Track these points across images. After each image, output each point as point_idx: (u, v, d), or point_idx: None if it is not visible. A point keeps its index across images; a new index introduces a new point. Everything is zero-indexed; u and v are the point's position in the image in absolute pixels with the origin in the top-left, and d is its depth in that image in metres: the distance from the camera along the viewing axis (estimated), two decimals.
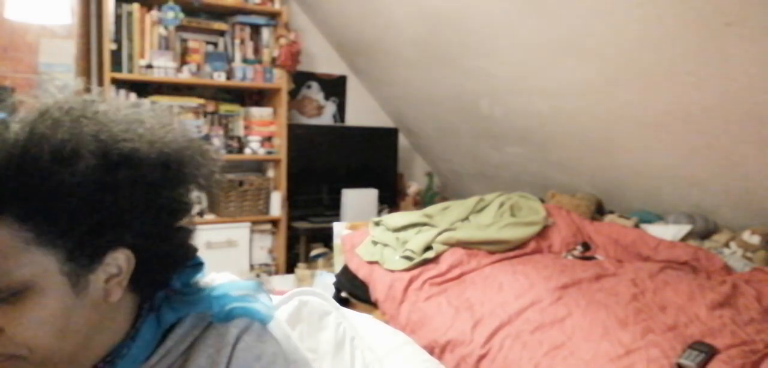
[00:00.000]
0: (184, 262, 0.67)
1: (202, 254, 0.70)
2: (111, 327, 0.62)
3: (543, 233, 2.52)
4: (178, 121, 0.64)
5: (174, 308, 0.64)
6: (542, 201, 2.81)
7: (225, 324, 0.63)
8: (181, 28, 3.01)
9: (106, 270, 0.59)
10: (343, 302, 2.37)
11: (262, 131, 3.28)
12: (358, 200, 3.42)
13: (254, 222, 3.26)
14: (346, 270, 2.47)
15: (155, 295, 0.65)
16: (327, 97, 3.84)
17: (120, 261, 0.59)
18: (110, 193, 0.55)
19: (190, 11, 3.01)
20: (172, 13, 2.92)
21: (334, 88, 3.85)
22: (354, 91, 3.93)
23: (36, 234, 0.53)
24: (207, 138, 3.12)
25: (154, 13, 2.92)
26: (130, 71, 2.88)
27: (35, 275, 0.54)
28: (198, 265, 0.68)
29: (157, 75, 2.92)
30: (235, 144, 3.21)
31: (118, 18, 2.85)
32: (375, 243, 2.42)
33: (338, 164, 3.66)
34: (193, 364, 0.61)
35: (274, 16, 3.24)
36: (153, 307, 0.64)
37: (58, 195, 0.53)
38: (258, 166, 3.49)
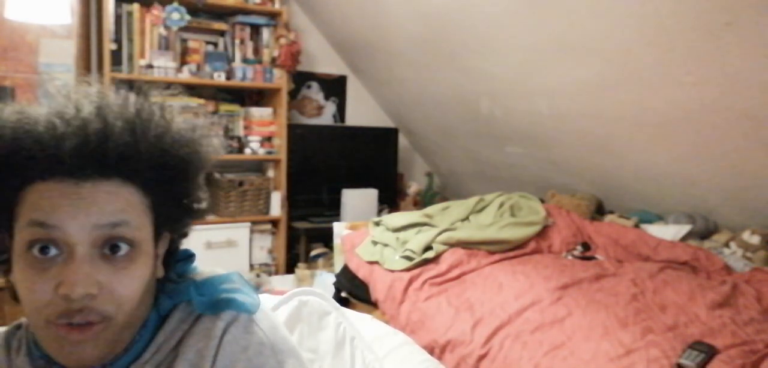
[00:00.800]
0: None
1: (202, 254, 0.73)
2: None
3: (543, 233, 2.52)
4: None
5: (169, 296, 0.67)
6: (542, 201, 2.81)
7: (212, 318, 0.65)
8: (178, 26, 3.00)
9: (158, 249, 0.66)
10: (343, 302, 2.37)
11: (262, 131, 3.28)
12: (358, 200, 3.42)
13: (254, 222, 3.26)
14: (346, 270, 2.47)
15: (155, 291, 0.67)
16: (327, 97, 3.84)
17: (162, 243, 0.67)
18: (199, 174, 0.67)
19: (191, 11, 3.01)
20: (177, 15, 2.92)
21: (334, 88, 3.86)
22: (354, 91, 3.93)
23: (150, 202, 0.62)
24: None
25: (157, 12, 2.91)
26: (130, 71, 2.89)
27: (145, 238, 0.62)
28: (192, 256, 0.73)
29: (157, 75, 2.92)
30: (235, 144, 3.21)
31: (118, 18, 2.85)
32: (375, 243, 2.42)
33: (338, 164, 3.66)
34: (183, 358, 0.63)
35: (274, 16, 3.24)
36: (153, 303, 0.67)
37: (172, 168, 0.63)
38: (258, 166, 3.49)
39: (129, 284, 0.59)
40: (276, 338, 0.67)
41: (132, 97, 0.62)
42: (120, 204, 0.59)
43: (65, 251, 0.56)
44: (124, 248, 0.59)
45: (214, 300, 0.66)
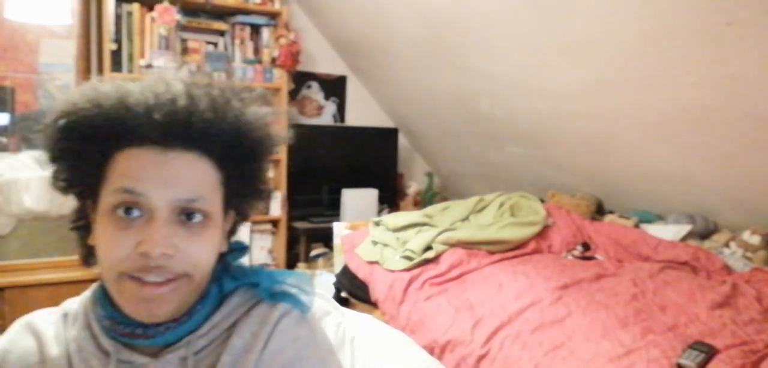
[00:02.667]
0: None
1: None
2: None
3: (543, 233, 2.52)
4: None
5: (233, 277, 0.73)
6: (542, 201, 2.81)
7: (269, 306, 0.72)
8: (181, 27, 3.01)
9: (224, 224, 0.72)
10: (343, 302, 2.37)
11: None
12: (358, 200, 3.42)
13: (254, 222, 3.26)
14: (346, 270, 2.47)
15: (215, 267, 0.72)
16: (327, 97, 3.84)
17: (228, 220, 0.73)
18: (266, 157, 0.73)
19: (191, 11, 3.01)
20: (179, 16, 2.93)
21: (334, 88, 3.85)
22: (354, 91, 3.93)
23: (222, 177, 0.68)
24: None
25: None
26: (130, 71, 2.88)
27: (216, 210, 0.68)
28: (245, 248, 0.79)
29: None
30: None
31: (118, 18, 2.84)
32: (375, 243, 2.42)
33: (338, 164, 3.66)
34: (238, 336, 0.69)
35: (274, 16, 3.24)
36: (213, 277, 0.72)
37: (244, 148, 0.69)
38: None
39: (203, 248, 0.65)
40: (322, 338, 0.75)
41: (217, 80, 0.69)
42: (198, 177, 0.65)
43: (147, 213, 0.62)
44: (198, 217, 0.65)
45: (277, 291, 0.73)
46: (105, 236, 0.63)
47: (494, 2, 2.28)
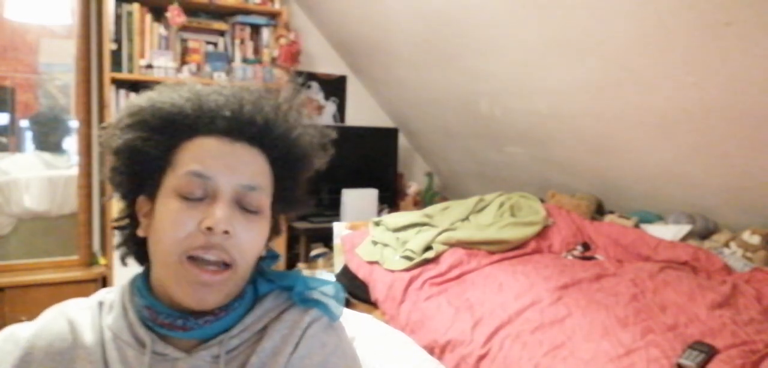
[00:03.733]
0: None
1: None
2: None
3: (543, 233, 2.52)
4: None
5: (268, 279, 0.77)
6: (542, 201, 2.81)
7: (300, 311, 0.75)
8: (181, 27, 3.01)
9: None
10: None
11: None
12: (358, 200, 3.42)
13: None
14: (346, 270, 2.47)
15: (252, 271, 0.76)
16: (327, 97, 3.84)
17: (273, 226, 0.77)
18: (310, 168, 0.78)
19: (191, 11, 3.01)
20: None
21: (334, 88, 3.86)
22: (354, 91, 3.93)
23: (275, 175, 0.74)
24: None
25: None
26: (130, 71, 2.88)
27: (268, 205, 0.73)
28: (277, 257, 0.82)
29: (157, 75, 2.92)
30: None
31: (118, 18, 2.85)
32: (375, 243, 2.42)
33: (338, 164, 3.60)
34: (268, 339, 0.72)
35: (274, 16, 3.24)
36: (249, 279, 0.75)
37: (295, 154, 0.75)
38: None
39: (253, 237, 0.70)
40: (349, 347, 0.77)
41: (281, 91, 0.77)
42: (258, 168, 0.71)
43: (211, 196, 0.67)
44: (254, 206, 0.70)
45: (309, 297, 0.76)
46: (169, 217, 0.66)
47: (494, 2, 2.28)
